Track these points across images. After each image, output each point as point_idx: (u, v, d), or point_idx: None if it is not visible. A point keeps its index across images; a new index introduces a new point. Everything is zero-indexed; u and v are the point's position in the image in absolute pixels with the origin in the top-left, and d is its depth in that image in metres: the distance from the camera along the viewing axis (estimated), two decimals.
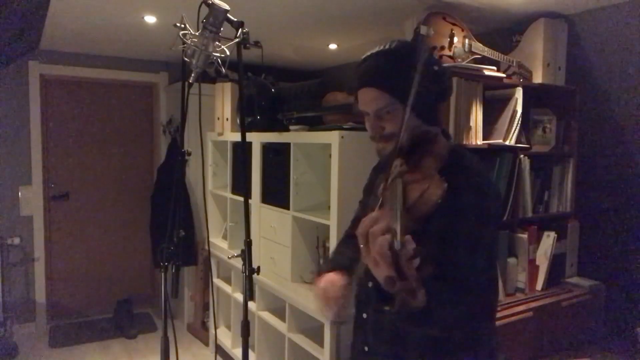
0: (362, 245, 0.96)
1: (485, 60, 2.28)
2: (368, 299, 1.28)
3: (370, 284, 1.25)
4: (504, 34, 2.70)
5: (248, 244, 1.57)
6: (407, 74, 1.13)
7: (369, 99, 1.21)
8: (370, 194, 1.37)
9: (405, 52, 1.19)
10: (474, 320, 1.12)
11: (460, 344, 1.15)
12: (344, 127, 2.32)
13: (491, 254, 1.18)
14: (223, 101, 3.36)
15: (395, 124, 1.18)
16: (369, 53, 1.25)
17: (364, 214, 1.35)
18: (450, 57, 2.20)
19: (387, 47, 1.22)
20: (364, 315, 1.29)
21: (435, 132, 1.24)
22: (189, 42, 1.46)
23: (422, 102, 1.10)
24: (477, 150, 2.08)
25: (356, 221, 1.49)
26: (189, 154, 1.75)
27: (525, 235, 2.28)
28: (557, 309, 2.19)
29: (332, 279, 1.32)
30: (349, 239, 1.51)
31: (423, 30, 2.12)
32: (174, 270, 1.69)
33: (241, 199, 1.64)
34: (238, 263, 1.63)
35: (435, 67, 1.19)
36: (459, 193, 1.08)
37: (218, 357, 3.40)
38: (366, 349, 1.29)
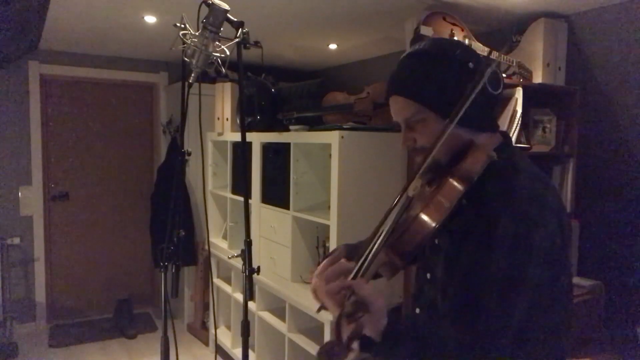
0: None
1: None
2: (422, 294, 1.10)
3: (428, 276, 1.08)
4: (504, 34, 2.70)
5: (248, 244, 1.57)
6: (436, 77, 0.98)
7: (396, 109, 1.06)
8: None
9: (434, 51, 1.01)
10: None
11: None
12: (344, 127, 2.32)
13: (553, 307, 0.92)
14: (223, 101, 3.36)
15: (426, 134, 1.01)
16: (402, 56, 1.08)
17: None
18: None
19: (415, 48, 1.05)
20: (417, 311, 1.12)
21: (469, 144, 0.99)
22: (189, 42, 1.46)
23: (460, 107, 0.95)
24: None
25: None
26: (189, 154, 1.75)
27: None
28: None
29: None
30: None
31: (423, 30, 2.12)
32: (174, 270, 1.69)
33: (241, 199, 1.64)
34: (238, 263, 1.63)
35: (470, 65, 0.98)
36: (493, 221, 0.88)
37: (218, 357, 3.39)
38: None
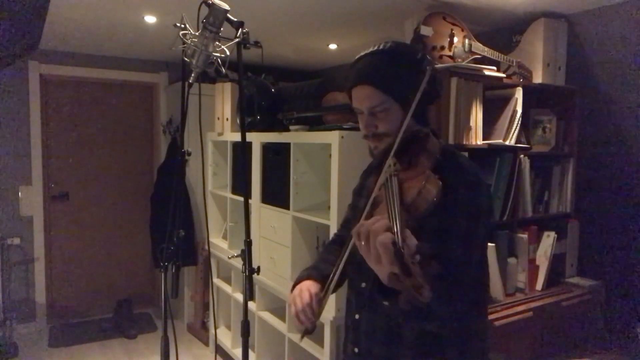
0: (361, 243, 0.96)
1: (485, 60, 2.28)
2: (361, 299, 1.27)
3: (363, 285, 1.25)
4: (504, 34, 2.70)
5: (248, 244, 1.57)
6: (401, 74, 1.18)
7: (363, 96, 1.22)
8: (361, 197, 1.39)
9: (400, 52, 1.22)
10: (467, 315, 1.13)
11: (454, 340, 1.16)
12: (344, 127, 2.31)
13: (483, 249, 1.20)
14: (223, 101, 3.36)
15: (388, 122, 1.20)
16: (363, 53, 1.27)
17: (354, 216, 1.38)
18: (450, 57, 2.20)
19: (382, 47, 1.24)
20: (357, 317, 1.28)
21: (427, 132, 1.24)
22: (189, 42, 1.46)
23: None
24: (477, 150, 2.09)
25: (346, 223, 1.50)
26: (189, 154, 1.75)
27: (525, 235, 2.28)
28: (557, 309, 2.19)
29: (305, 286, 1.29)
30: (335, 244, 1.50)
31: (423, 30, 2.12)
32: (174, 270, 1.69)
33: (241, 199, 1.64)
34: (238, 263, 1.63)
35: (428, 68, 1.19)
36: (453, 190, 1.09)
37: (218, 357, 3.40)
38: (356, 350, 1.28)
